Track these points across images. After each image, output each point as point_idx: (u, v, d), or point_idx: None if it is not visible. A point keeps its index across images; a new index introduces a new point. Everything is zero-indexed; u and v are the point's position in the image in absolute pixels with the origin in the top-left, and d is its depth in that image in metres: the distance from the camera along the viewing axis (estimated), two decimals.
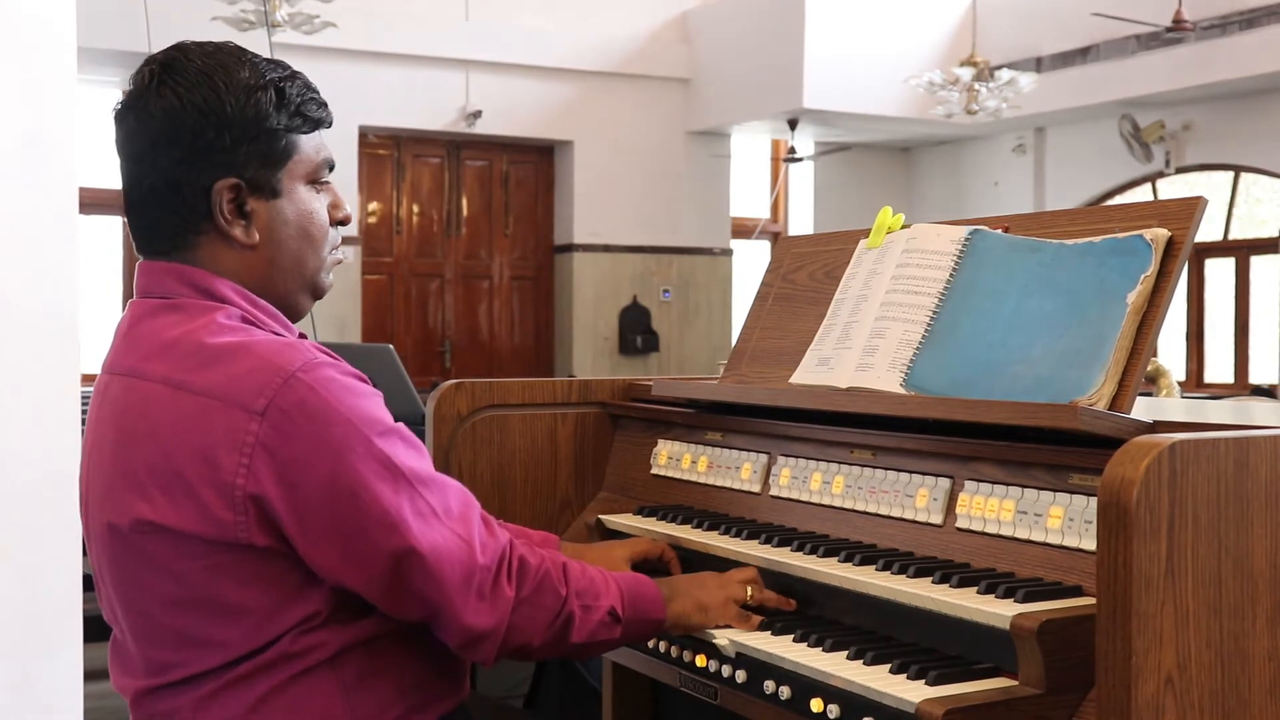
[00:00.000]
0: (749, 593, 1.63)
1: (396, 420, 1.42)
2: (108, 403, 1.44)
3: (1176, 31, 8.03)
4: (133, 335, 1.44)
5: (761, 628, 1.58)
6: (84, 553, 2.08)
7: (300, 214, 1.48)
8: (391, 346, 4.36)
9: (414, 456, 1.39)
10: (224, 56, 1.44)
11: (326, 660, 1.39)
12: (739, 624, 1.59)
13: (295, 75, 1.49)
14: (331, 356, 1.40)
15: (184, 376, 1.36)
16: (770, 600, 1.64)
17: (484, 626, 1.41)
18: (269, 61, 1.47)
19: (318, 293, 1.53)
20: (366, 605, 1.40)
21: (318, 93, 1.51)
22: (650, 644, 1.66)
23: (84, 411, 2.13)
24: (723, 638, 1.57)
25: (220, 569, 1.35)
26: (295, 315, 1.52)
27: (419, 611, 1.40)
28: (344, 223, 1.55)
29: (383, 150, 9.94)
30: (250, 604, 1.36)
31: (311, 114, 1.48)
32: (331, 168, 1.53)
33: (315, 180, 1.50)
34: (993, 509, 1.53)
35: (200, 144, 1.41)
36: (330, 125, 1.52)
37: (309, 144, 1.48)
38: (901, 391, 1.69)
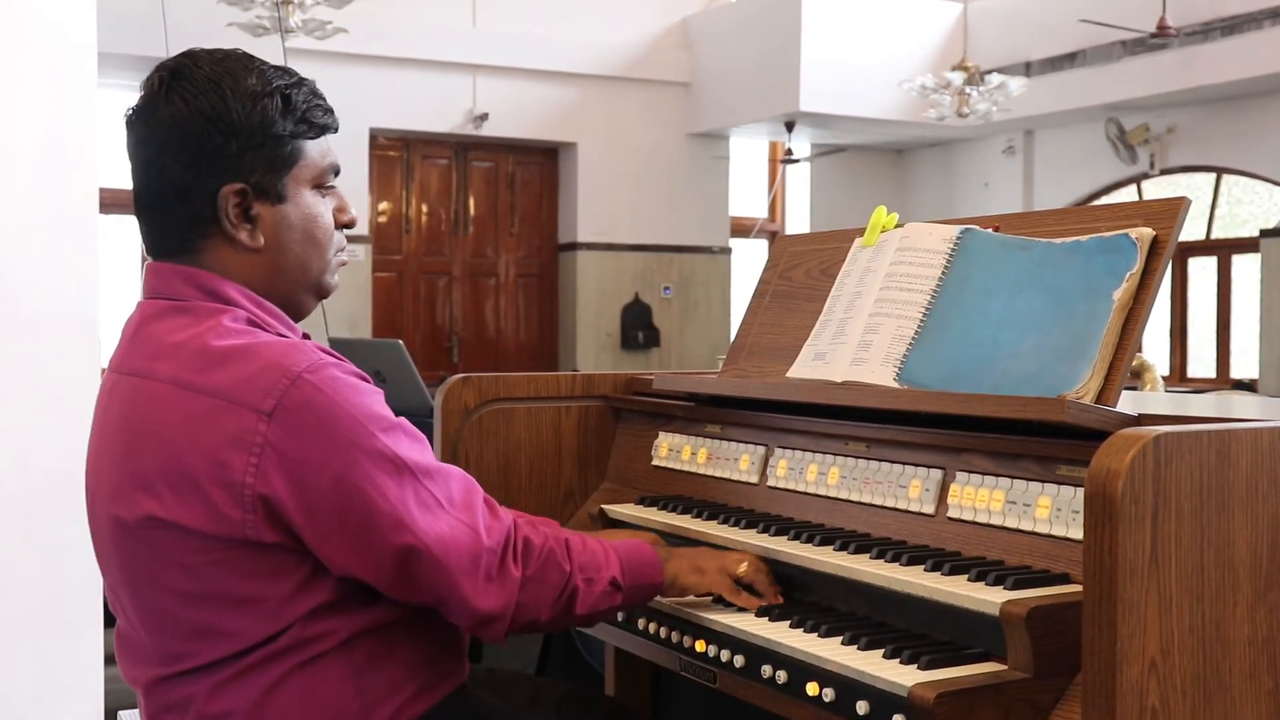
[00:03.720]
0: (743, 568, 1.64)
1: (405, 413, 1.45)
2: (115, 402, 1.44)
3: (1160, 37, 8.02)
4: (141, 336, 1.44)
5: (759, 614, 1.59)
6: None
7: (305, 218, 1.49)
8: (401, 342, 4.36)
9: (417, 450, 1.41)
10: (232, 64, 1.45)
11: (338, 646, 1.41)
12: (730, 595, 1.62)
13: (302, 82, 1.49)
14: (334, 356, 1.42)
15: (192, 377, 1.37)
16: (763, 584, 1.64)
17: (494, 608, 1.43)
18: (276, 69, 1.48)
19: (322, 293, 1.55)
20: (376, 592, 1.42)
21: (324, 99, 1.51)
22: (652, 630, 1.68)
23: None
24: (719, 620, 1.58)
25: (229, 563, 1.36)
26: (299, 314, 1.54)
27: (427, 600, 1.42)
28: (349, 225, 1.56)
29: (393, 152, 9.95)
30: (260, 595, 1.37)
31: (317, 120, 1.49)
32: (337, 173, 1.53)
33: (321, 185, 1.51)
34: (983, 499, 1.54)
35: (207, 150, 1.41)
36: (336, 130, 1.53)
37: (314, 149, 1.49)
38: (895, 386, 1.70)
